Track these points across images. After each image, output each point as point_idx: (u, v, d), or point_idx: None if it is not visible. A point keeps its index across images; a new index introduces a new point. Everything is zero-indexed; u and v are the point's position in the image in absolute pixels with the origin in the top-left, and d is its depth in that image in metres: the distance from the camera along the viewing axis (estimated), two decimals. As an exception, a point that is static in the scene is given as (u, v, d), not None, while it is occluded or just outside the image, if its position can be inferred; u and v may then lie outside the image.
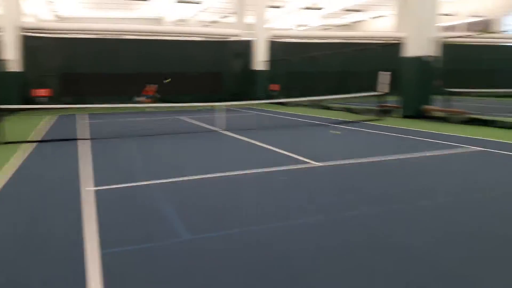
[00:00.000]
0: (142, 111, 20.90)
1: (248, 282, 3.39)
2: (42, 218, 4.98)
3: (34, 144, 10.63)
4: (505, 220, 4.76)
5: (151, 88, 22.90)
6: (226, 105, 14.54)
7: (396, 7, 35.65)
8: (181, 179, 6.84)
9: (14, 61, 22.18)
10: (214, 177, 6.96)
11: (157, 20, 44.86)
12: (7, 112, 16.41)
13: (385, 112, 16.03)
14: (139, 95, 22.60)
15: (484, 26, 37.54)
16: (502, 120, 12.92)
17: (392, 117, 16.01)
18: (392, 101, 16.83)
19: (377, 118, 15.57)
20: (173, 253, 3.94)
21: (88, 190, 6.15)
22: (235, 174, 7.14)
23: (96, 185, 6.45)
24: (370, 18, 44.31)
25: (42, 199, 5.85)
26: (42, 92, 22.90)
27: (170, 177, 6.94)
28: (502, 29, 36.96)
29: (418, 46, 15.28)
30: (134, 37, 28.28)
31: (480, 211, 5.10)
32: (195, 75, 26.70)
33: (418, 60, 15.26)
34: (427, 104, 15.30)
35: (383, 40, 33.22)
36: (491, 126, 12.73)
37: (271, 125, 14.51)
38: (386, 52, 22.03)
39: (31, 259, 3.83)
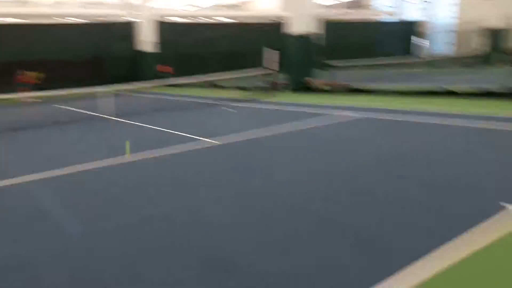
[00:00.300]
0: (14, 104, 19.05)
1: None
2: None
3: None
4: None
5: (28, 75, 20.75)
6: (111, 90, 13.89)
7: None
8: (62, 173, 6.44)
9: None
10: (114, 164, 6.68)
11: (31, 2, 40.71)
12: None
13: (274, 88, 16.59)
14: (9, 84, 20.36)
15: (357, 3, 40.47)
16: (380, 88, 14.12)
17: (282, 92, 16.68)
18: (281, 77, 17.51)
19: (267, 94, 16.10)
20: (60, 246, 3.75)
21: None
22: (133, 160, 6.93)
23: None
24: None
25: None
26: None
27: (48, 170, 6.49)
28: (371, 6, 40.21)
29: (300, 24, 16.05)
30: (5, 21, 25.45)
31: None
32: (75, 61, 24.87)
33: (300, 37, 16.03)
34: (307, 78, 16.21)
35: (268, 20, 34.23)
36: (371, 95, 13.89)
37: (163, 107, 14.23)
38: (273, 31, 22.73)
39: None
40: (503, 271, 2.98)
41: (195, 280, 3.00)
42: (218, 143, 7.73)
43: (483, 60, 25.10)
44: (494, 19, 24.76)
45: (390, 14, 38.42)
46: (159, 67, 25.19)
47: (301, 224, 3.89)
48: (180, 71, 26.85)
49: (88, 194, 5.16)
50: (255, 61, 18.25)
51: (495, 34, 25.30)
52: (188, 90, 21.19)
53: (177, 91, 21.29)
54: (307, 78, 15.91)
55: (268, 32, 24.52)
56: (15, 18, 25.78)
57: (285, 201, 4.51)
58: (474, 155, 6.12)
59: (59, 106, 16.65)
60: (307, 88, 15.91)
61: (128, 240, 3.74)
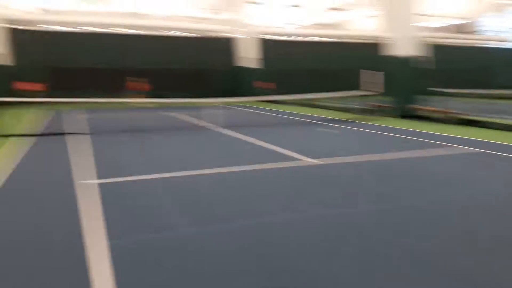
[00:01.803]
0: (130, 108, 20.73)
1: (246, 272, 3.42)
2: (46, 212, 4.95)
3: (31, 138, 10.49)
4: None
5: (139, 83, 22.45)
6: (216, 102, 14.53)
7: (381, 6, 36.05)
8: (174, 174, 6.84)
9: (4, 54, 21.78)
10: (210, 173, 6.98)
11: (144, 15, 44.36)
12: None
13: (377, 112, 16.11)
14: (122, 90, 22.21)
15: (465, 27, 38.18)
16: (495, 121, 12.91)
17: (385, 116, 16.19)
18: (382, 100, 17.04)
19: (368, 117, 15.75)
20: (176, 246, 3.96)
21: (89, 184, 6.11)
22: (229, 171, 7.16)
23: (98, 178, 6.41)
24: (357, 17, 44.70)
25: (44, 192, 5.78)
26: (31, 85, 22.45)
27: (166, 172, 6.93)
28: (479, 31, 37.67)
29: (403, 46, 15.51)
30: (119, 32, 28.01)
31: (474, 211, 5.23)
32: (181, 72, 26.56)
33: (406, 60, 15.47)
34: (415, 103, 15.47)
35: (368, 40, 33.64)
36: (484, 128, 12.71)
37: (262, 123, 14.54)
38: (372, 52, 22.28)
39: (40, 247, 3.81)
40: None
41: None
42: (320, 162, 7.71)
43: None
44: None
45: (504, 40, 35.74)
46: (258, 83, 25.89)
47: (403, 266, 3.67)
48: (278, 88, 27.43)
49: (202, 197, 5.40)
50: (354, 82, 18.00)
51: None
52: (286, 107, 21.47)
53: (275, 107, 21.67)
54: (415, 104, 15.13)
55: (368, 53, 24.09)
56: (131, 29, 28.18)
57: (384, 233, 4.31)
58: None
59: (167, 113, 17.75)
60: (414, 115, 15.17)
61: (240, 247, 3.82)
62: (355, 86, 16.76)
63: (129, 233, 4.32)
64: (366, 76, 16.04)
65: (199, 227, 4.49)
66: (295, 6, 37.17)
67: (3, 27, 22.06)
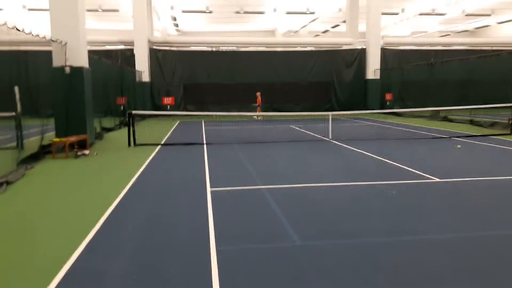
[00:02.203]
0: (254, 120, 21.65)
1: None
2: (166, 213, 5.46)
3: (160, 146, 11.69)
4: None
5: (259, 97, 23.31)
6: (338, 115, 14.37)
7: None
8: (292, 185, 6.95)
9: (145, 72, 24.66)
10: (326, 186, 6.95)
11: (270, 32, 46.26)
12: (140, 118, 18.26)
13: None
14: (251, 103, 23.30)
15: None
16: None
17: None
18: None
19: (506, 132, 14.12)
20: (283, 256, 4.02)
21: (207, 190, 6.56)
22: (348, 185, 7.04)
23: (213, 186, 6.86)
24: (497, 23, 40.37)
25: (167, 196, 6.38)
26: (169, 100, 25.10)
27: (282, 183, 7.09)
28: None
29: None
30: (247, 49, 29.55)
31: None
32: (305, 85, 26.94)
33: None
34: None
35: (510, 47, 30.16)
36: None
37: (385, 136, 13.97)
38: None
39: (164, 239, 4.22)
40: None
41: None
42: (438, 180, 7.15)
43: None
44: None
45: None
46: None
47: None
48: (404, 100, 26.15)
49: (311, 208, 5.40)
50: (494, 93, 16.28)
51: None
52: (412, 120, 20.36)
53: (401, 120, 20.67)
54: None
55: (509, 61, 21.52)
56: (257, 46, 29.52)
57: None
58: None
59: (288, 125, 18.12)
60: None
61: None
62: (496, 98, 15.08)
63: (239, 240, 4.55)
64: None
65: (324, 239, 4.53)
66: (429, 14, 35.11)
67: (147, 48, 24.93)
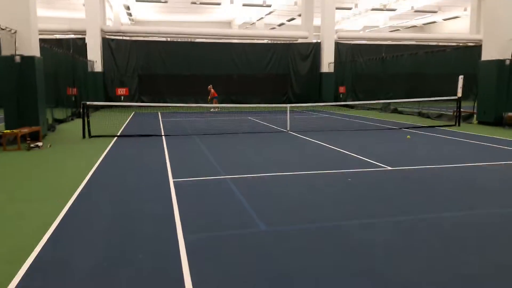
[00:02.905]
0: (209, 111, 21.64)
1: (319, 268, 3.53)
2: (130, 205, 5.46)
3: (116, 138, 11.49)
4: None
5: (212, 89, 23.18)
6: (294, 107, 14.68)
7: (471, 7, 34.03)
8: (252, 175, 7.12)
9: (97, 62, 23.91)
10: (287, 174, 7.17)
11: (227, 23, 46.11)
12: (93, 109, 17.76)
13: (459, 117, 15.19)
14: (205, 96, 23.21)
15: None
16: None
17: (468, 123, 15.34)
18: (467, 106, 16.12)
19: (450, 123, 15.00)
20: (250, 242, 4.19)
21: (169, 181, 6.59)
22: (306, 173, 7.30)
23: (175, 177, 6.89)
24: (443, 19, 42.41)
25: (130, 187, 6.36)
26: (123, 91, 24.50)
27: (245, 173, 7.23)
28: None
29: (498, 49, 14.48)
30: (204, 40, 29.34)
31: None
32: (263, 77, 27.19)
33: (499, 64, 14.42)
34: (507, 110, 14.33)
35: (455, 42, 31.80)
36: None
37: (338, 128, 14.44)
38: (459, 55, 21.03)
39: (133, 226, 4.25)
40: None
41: None
42: (390, 168, 7.59)
43: None
44: None
45: None
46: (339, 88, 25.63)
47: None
48: (357, 93, 26.98)
49: (267, 196, 5.59)
50: (441, 87, 17.18)
51: None
52: (364, 112, 21.11)
53: (354, 112, 21.38)
54: (508, 112, 13.95)
55: (455, 56, 22.69)
56: (215, 38, 29.39)
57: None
58: None
59: (248, 118, 18.28)
60: (500, 122, 14.12)
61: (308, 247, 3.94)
62: (442, 92, 15.91)
63: (205, 228, 4.66)
64: (460, 81, 15.04)
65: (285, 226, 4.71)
66: (380, 9, 36.25)
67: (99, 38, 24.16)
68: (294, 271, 3.55)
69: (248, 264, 3.71)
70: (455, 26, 42.37)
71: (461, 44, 30.58)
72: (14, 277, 3.44)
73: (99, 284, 3.35)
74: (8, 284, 3.32)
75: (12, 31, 10.94)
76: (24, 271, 3.56)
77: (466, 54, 20.66)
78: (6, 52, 11.05)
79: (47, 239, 4.25)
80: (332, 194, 6.01)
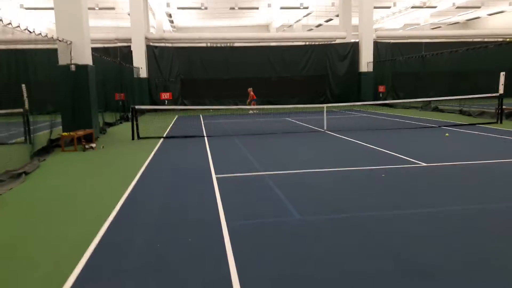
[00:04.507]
0: (248, 114, 22.20)
1: (349, 255, 3.91)
2: (179, 197, 6.03)
3: (162, 139, 12.24)
4: None
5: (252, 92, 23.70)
6: (332, 107, 14.94)
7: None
8: (291, 171, 7.55)
9: (143, 68, 25.12)
10: (322, 171, 7.54)
11: (265, 27, 46.73)
12: (139, 113, 18.75)
13: (501, 115, 14.93)
14: (244, 98, 23.78)
15: None
16: None
17: (511, 120, 15.05)
18: (511, 103, 15.80)
19: (492, 121, 14.78)
20: (285, 228, 4.62)
21: (212, 177, 7.14)
22: (341, 170, 7.64)
23: (218, 173, 7.43)
24: (487, 14, 41.06)
25: (177, 182, 6.95)
26: (167, 95, 25.60)
27: (282, 170, 7.67)
28: None
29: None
30: (242, 44, 30.05)
31: None
32: (300, 79, 27.56)
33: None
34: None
35: (501, 38, 30.83)
36: None
37: (376, 126, 14.58)
38: (501, 51, 20.52)
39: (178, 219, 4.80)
40: None
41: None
42: (425, 164, 7.79)
43: None
44: None
45: None
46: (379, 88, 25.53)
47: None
48: (397, 92, 26.77)
49: (308, 190, 5.99)
50: (482, 84, 16.92)
51: None
52: (404, 111, 21.01)
53: (393, 111, 21.31)
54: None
55: (499, 52, 22.09)
56: (252, 42, 30.04)
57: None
58: None
59: (285, 118, 18.70)
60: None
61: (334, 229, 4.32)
62: (485, 89, 15.69)
63: (253, 217, 5.15)
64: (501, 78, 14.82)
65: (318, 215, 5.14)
66: (420, 7, 35.65)
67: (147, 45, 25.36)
68: (321, 254, 3.96)
69: (283, 246, 4.15)
70: (500, 21, 40.93)
71: (508, 39, 29.65)
72: (82, 255, 4.06)
73: (155, 260, 3.90)
74: (79, 260, 3.93)
75: (68, 42, 11.93)
76: (91, 251, 4.17)
77: (509, 50, 20.15)
78: (62, 62, 12.06)
79: (108, 225, 4.88)
80: (361, 189, 6.33)
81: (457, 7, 36.05)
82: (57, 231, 4.80)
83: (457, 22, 45.93)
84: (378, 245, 4.12)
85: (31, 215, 5.45)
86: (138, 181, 7.07)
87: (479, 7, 36.68)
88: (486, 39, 31.58)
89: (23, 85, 10.91)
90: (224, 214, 5.16)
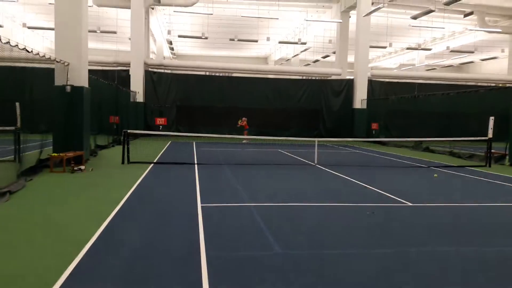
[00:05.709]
0: (241, 142, 22.29)
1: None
2: (162, 226, 5.99)
3: (152, 165, 12.22)
4: None
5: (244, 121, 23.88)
6: (324, 141, 15.06)
7: (509, 49, 33.75)
8: (277, 204, 7.54)
9: (140, 93, 25.32)
10: (308, 205, 7.54)
11: (263, 59, 47.57)
12: (132, 137, 18.76)
13: (490, 158, 15.07)
14: (237, 122, 23.91)
15: None
16: None
17: (499, 164, 15.19)
18: (500, 147, 15.98)
19: (481, 164, 14.92)
20: (265, 262, 4.59)
21: (198, 206, 7.11)
22: (327, 205, 7.64)
23: (203, 202, 7.41)
24: (480, 60, 42.11)
25: (162, 210, 6.92)
26: (161, 120, 25.74)
27: (268, 202, 7.67)
28: None
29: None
30: (241, 75, 30.50)
31: None
32: (295, 111, 27.85)
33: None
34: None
35: (493, 83, 31.51)
36: None
37: (367, 163, 14.67)
38: (493, 96, 20.92)
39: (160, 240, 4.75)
40: None
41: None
42: (410, 204, 7.83)
43: None
44: None
45: None
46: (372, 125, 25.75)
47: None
48: (390, 130, 27.07)
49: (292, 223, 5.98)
50: (473, 127, 17.18)
51: None
52: (395, 150, 21.18)
53: (385, 149, 21.48)
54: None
55: (490, 97, 22.52)
56: (250, 73, 30.51)
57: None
58: None
59: (277, 150, 18.78)
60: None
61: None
62: (477, 132, 15.93)
63: (229, 249, 5.11)
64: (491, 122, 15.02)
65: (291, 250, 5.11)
66: (415, 49, 36.55)
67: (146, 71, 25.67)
68: (302, 289, 3.93)
69: (262, 281, 4.11)
70: (493, 66, 41.96)
71: (500, 85, 30.28)
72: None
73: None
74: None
75: (65, 64, 12.06)
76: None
77: (500, 95, 20.55)
78: (58, 82, 12.15)
79: (88, 249, 4.82)
80: (346, 225, 6.33)
81: (451, 51, 37.00)
82: (22, 261, 4.72)
83: (452, 65, 47.03)
84: (357, 283, 4.09)
85: (4, 237, 5.38)
86: (122, 206, 7.03)
87: (472, 52, 37.67)
88: (479, 83, 32.27)
89: (17, 103, 10.94)
90: (205, 244, 5.12)
